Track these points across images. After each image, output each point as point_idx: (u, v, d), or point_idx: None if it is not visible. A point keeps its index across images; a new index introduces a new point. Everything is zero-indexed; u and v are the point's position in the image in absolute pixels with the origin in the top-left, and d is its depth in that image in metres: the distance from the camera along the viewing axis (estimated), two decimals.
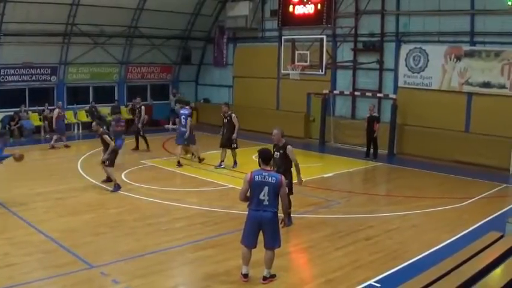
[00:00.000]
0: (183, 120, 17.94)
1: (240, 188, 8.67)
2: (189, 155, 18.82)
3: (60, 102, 22.97)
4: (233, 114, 17.48)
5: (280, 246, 8.54)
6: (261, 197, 8.22)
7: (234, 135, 17.31)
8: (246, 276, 8.53)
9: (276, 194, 8.27)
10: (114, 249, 9.93)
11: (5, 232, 10.71)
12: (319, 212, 12.93)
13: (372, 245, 10.56)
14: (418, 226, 11.95)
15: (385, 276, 8.84)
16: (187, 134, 17.68)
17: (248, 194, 8.39)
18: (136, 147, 20.61)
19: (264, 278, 8.49)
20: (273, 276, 8.57)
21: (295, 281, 8.91)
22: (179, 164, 17.63)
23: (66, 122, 23.16)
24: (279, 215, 8.45)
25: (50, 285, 8.30)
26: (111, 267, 9.03)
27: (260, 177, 8.27)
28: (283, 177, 8.56)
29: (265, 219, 8.26)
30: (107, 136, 14.75)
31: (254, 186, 8.27)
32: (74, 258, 9.34)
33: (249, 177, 8.33)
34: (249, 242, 8.44)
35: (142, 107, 20.70)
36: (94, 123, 15.60)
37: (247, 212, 8.50)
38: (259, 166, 8.53)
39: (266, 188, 8.21)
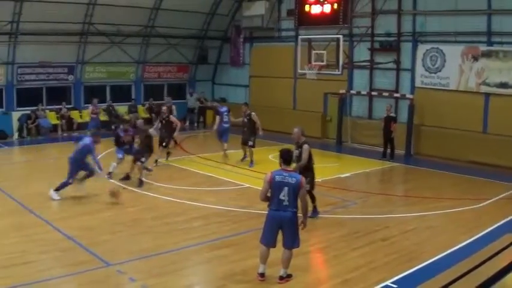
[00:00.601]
0: (225, 117, 18.39)
1: (260, 187, 8.69)
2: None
3: (95, 100, 23.12)
4: (253, 113, 17.78)
5: (299, 246, 8.53)
6: (281, 197, 8.23)
7: (261, 133, 17.71)
8: (262, 275, 8.54)
9: (296, 195, 8.26)
10: (131, 247, 9.99)
11: (23, 229, 10.82)
12: (335, 212, 12.90)
13: (388, 245, 10.52)
14: (435, 227, 11.87)
15: (401, 277, 8.80)
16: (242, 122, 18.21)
17: (268, 194, 8.40)
18: (175, 143, 20.26)
19: (281, 278, 8.50)
20: (289, 276, 8.57)
21: (311, 281, 8.91)
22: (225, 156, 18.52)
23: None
24: (298, 215, 8.44)
25: (66, 283, 8.38)
26: (128, 265, 9.09)
27: (280, 178, 8.28)
28: (303, 178, 8.55)
29: (285, 219, 8.27)
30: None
31: (274, 186, 8.28)
32: (91, 257, 9.41)
33: (269, 177, 8.35)
34: (269, 241, 8.45)
35: (173, 106, 20.57)
36: (125, 136, 15.81)
37: (266, 212, 8.51)
38: (280, 166, 8.53)
39: (286, 189, 8.21)
